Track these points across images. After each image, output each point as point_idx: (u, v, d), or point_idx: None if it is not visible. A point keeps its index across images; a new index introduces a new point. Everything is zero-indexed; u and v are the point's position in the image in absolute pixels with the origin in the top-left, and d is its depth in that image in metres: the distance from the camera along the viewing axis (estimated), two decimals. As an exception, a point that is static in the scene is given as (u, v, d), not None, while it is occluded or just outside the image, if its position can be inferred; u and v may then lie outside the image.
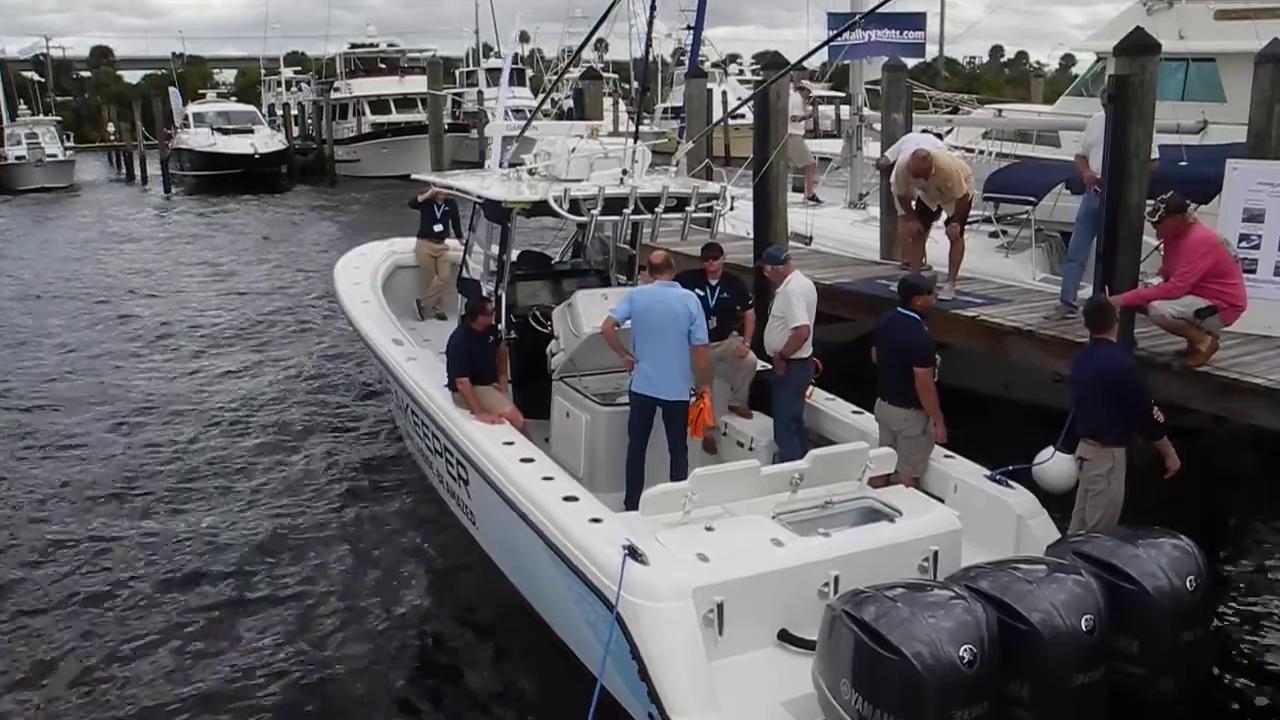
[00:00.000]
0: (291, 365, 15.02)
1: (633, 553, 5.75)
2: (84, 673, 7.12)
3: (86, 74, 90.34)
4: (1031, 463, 7.15)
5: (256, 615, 7.85)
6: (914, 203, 10.62)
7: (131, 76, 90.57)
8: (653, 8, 8.70)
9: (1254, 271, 8.56)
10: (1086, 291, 9.17)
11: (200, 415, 12.68)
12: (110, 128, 62.60)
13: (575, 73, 15.29)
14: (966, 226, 10.78)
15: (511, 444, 7.65)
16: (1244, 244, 8.69)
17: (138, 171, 50.04)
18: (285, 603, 8.03)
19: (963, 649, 4.45)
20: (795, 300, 8.09)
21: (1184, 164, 9.18)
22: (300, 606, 7.97)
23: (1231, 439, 9.44)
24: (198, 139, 45.57)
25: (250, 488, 10.34)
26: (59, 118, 56.73)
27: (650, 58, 11.36)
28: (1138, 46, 8.42)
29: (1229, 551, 8.69)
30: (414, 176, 11.68)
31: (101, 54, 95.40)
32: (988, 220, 11.86)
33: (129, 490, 10.31)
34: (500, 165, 9.85)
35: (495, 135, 11.10)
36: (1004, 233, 11.70)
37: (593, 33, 10.84)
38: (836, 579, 5.88)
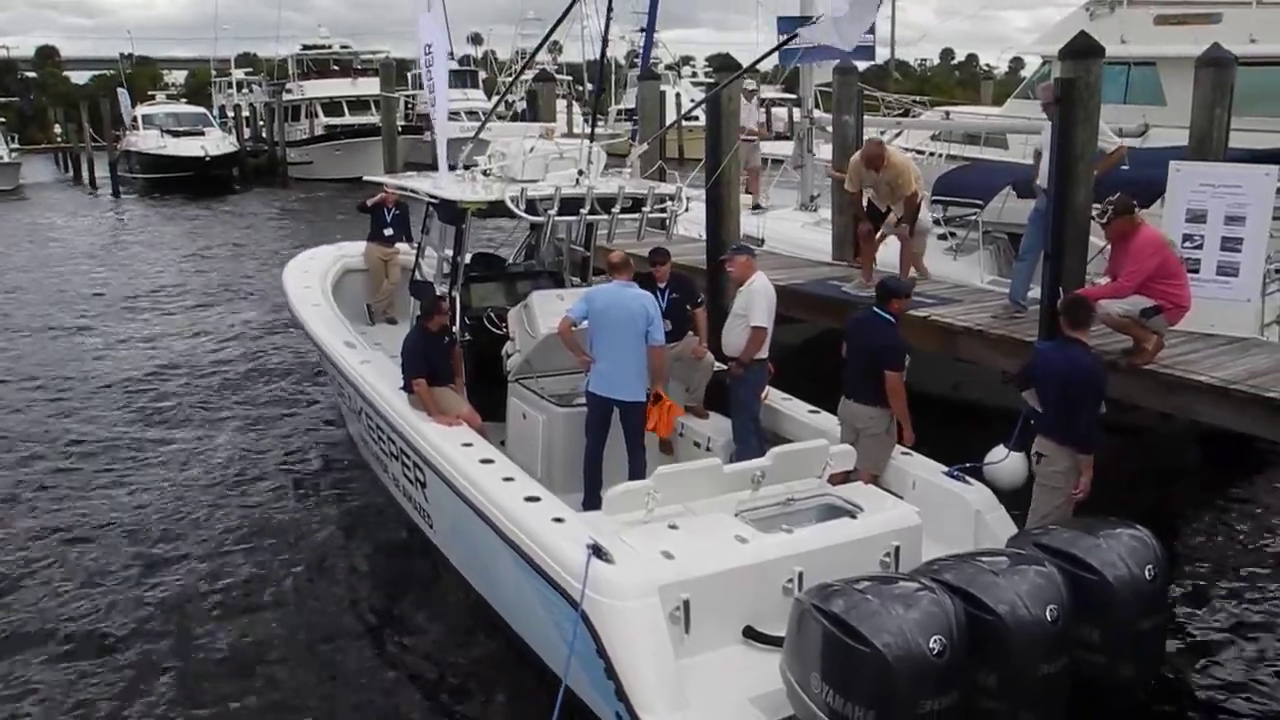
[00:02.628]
0: (242, 368, 14.76)
1: (597, 551, 5.73)
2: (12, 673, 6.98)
3: (31, 74, 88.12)
4: (984, 461, 7.28)
5: (205, 623, 7.68)
6: (865, 203, 10.74)
7: (78, 77, 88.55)
8: (609, 10, 8.70)
9: (1197, 271, 8.73)
10: (1035, 292, 9.32)
11: (148, 421, 12.42)
12: (56, 129, 61.03)
13: (529, 75, 15.23)
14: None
15: (470, 445, 7.59)
16: (1187, 244, 8.86)
17: (86, 174, 48.96)
18: (235, 608, 7.89)
19: (932, 640, 4.49)
20: (758, 301, 8.11)
21: (1125, 168, 9.37)
22: (251, 612, 7.83)
23: (1177, 436, 9.64)
24: (147, 141, 44.63)
25: (198, 491, 10.13)
26: (2, 119, 55.29)
27: (605, 60, 11.36)
28: (1083, 50, 8.55)
29: (1177, 545, 8.85)
30: (366, 179, 11.55)
31: (46, 54, 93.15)
32: (936, 223, 11.99)
33: (63, 499, 10.05)
34: (456, 166, 9.77)
35: (441, 137, 11.01)
36: (952, 234, 11.84)
37: (548, 36, 10.82)
38: (800, 575, 5.91)
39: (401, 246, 12.68)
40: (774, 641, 5.59)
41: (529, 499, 6.63)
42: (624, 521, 6.23)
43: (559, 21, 9.60)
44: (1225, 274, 8.90)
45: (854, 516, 6.43)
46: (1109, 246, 8.21)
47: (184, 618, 7.76)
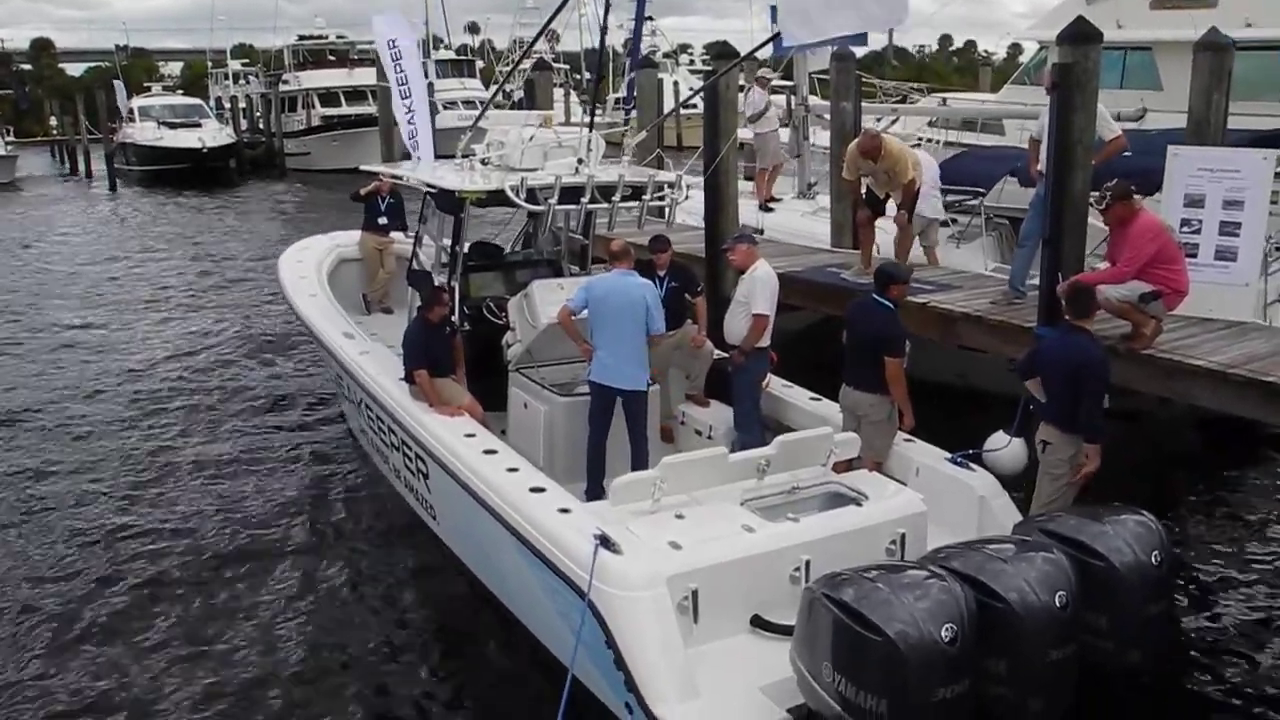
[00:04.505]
0: (238, 359, 14.74)
1: (605, 542, 5.73)
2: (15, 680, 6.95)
3: (27, 67, 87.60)
4: (984, 447, 7.30)
5: (205, 616, 7.66)
6: (864, 191, 10.74)
7: (74, 69, 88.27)
8: (607, -1, 8.64)
9: (1195, 256, 8.75)
10: (1035, 279, 9.32)
11: (145, 411, 12.39)
12: (52, 122, 60.76)
13: (527, 64, 15.18)
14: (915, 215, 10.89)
15: (473, 436, 7.58)
16: (1185, 229, 8.88)
17: (82, 166, 48.75)
18: (229, 602, 7.87)
19: (944, 628, 4.48)
20: (760, 288, 8.09)
21: (1129, 154, 9.37)
22: (247, 605, 7.81)
23: (1176, 420, 9.67)
24: (144, 133, 44.55)
25: (197, 485, 10.10)
26: (-3, 111, 55.32)
27: (604, 48, 11.30)
28: (1080, 35, 8.54)
29: (1177, 530, 8.89)
30: (362, 168, 11.50)
31: (42, 46, 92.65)
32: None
33: (69, 489, 10.04)
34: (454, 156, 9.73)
35: (421, 124, 10.97)
36: (954, 221, 11.79)
37: (547, 24, 10.76)
38: (807, 564, 5.92)
39: (396, 235, 12.66)
40: (782, 630, 5.61)
41: (534, 489, 6.63)
42: (630, 511, 6.23)
43: (558, 10, 9.53)
44: (1223, 258, 8.92)
45: (859, 504, 6.45)
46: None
47: (178, 612, 7.73)
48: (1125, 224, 7.83)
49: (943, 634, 4.48)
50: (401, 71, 11.48)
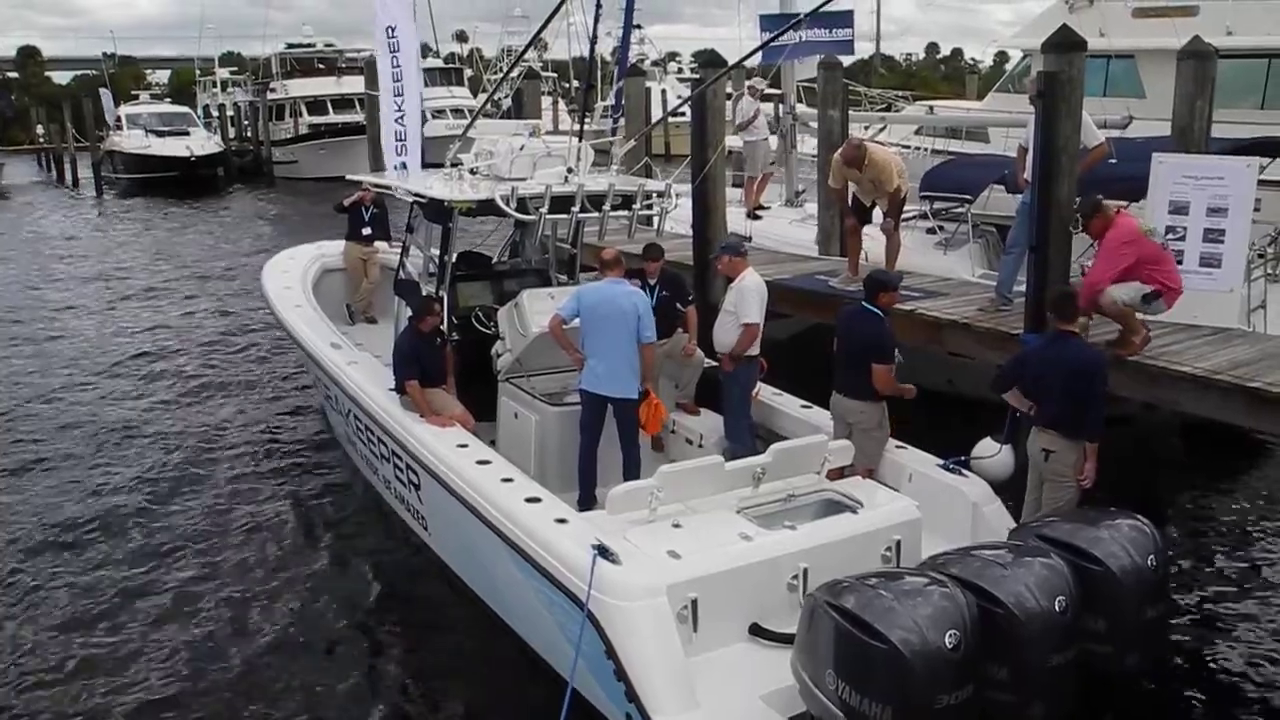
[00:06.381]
0: (223, 370, 14.63)
1: (603, 552, 5.72)
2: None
3: (13, 75, 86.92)
4: (972, 454, 7.33)
5: (197, 630, 7.58)
6: (850, 198, 10.78)
7: (60, 77, 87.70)
8: (598, 7, 8.66)
9: (1180, 262, 8.79)
10: (1022, 286, 9.37)
11: (129, 418, 12.30)
12: (39, 130, 60.37)
13: (517, 73, 15.20)
14: (904, 223, 10.95)
15: (466, 446, 7.55)
16: (1170, 235, 8.94)
17: (69, 175, 48.42)
18: (224, 614, 7.79)
19: (947, 634, 4.50)
20: (749, 297, 8.10)
21: (1113, 161, 9.44)
22: (242, 619, 7.74)
23: (1161, 426, 9.73)
24: (131, 141, 44.26)
25: (180, 495, 10.00)
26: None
27: (594, 57, 11.33)
28: (1065, 43, 8.63)
29: (1165, 535, 8.93)
30: (349, 177, 11.46)
31: (28, 54, 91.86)
32: (924, 217, 12.02)
33: (55, 497, 9.94)
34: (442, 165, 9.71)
35: (411, 127, 10.88)
36: (941, 229, 11.85)
37: (537, 34, 10.74)
38: (805, 571, 5.92)
39: (380, 245, 12.62)
40: (781, 638, 5.62)
41: (529, 500, 6.61)
42: (628, 521, 6.22)
43: (548, 20, 9.52)
44: (1208, 265, 9.01)
45: (855, 512, 6.46)
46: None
47: (170, 626, 7.65)
48: (1105, 233, 7.92)
49: (946, 640, 4.49)
50: (398, 66, 11.11)
